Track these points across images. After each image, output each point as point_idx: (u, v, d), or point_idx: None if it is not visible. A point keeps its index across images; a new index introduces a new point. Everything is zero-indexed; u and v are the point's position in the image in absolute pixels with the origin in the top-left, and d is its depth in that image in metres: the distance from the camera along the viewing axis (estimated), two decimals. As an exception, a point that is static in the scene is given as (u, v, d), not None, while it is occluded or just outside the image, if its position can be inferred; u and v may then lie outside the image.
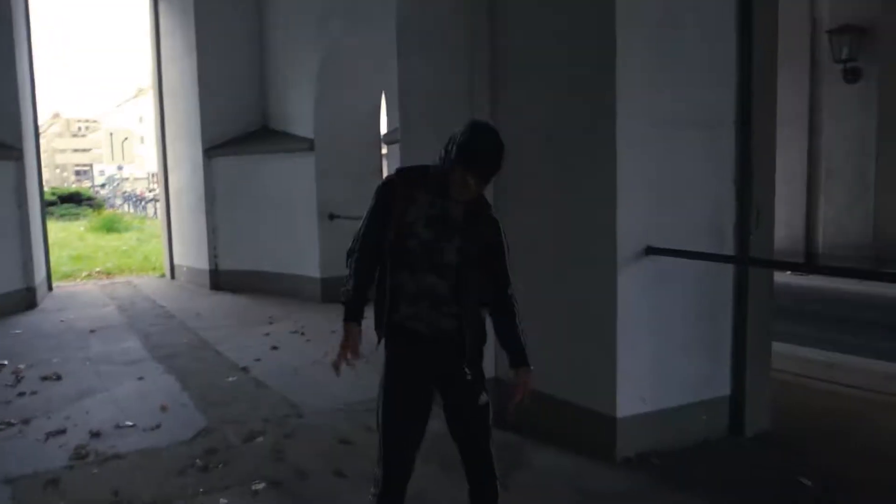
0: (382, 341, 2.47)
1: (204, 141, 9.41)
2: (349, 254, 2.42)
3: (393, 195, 2.30)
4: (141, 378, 5.48)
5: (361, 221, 2.39)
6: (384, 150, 9.08)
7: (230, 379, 5.42)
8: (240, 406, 4.75)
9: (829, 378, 4.88)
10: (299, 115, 8.76)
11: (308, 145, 8.58)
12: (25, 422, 4.47)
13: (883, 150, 9.90)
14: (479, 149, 2.18)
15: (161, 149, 10.66)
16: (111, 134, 59.81)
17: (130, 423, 4.40)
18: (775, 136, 3.85)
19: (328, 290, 8.52)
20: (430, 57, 4.40)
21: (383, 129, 9.00)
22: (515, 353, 2.43)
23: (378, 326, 2.43)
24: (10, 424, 4.43)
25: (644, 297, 3.56)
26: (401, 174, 2.39)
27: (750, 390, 3.86)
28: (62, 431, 4.28)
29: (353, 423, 4.32)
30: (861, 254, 9.77)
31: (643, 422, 3.63)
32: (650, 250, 3.51)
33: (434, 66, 4.36)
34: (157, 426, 4.36)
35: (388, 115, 7.22)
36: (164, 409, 4.70)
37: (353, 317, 2.45)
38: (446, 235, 2.31)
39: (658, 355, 3.64)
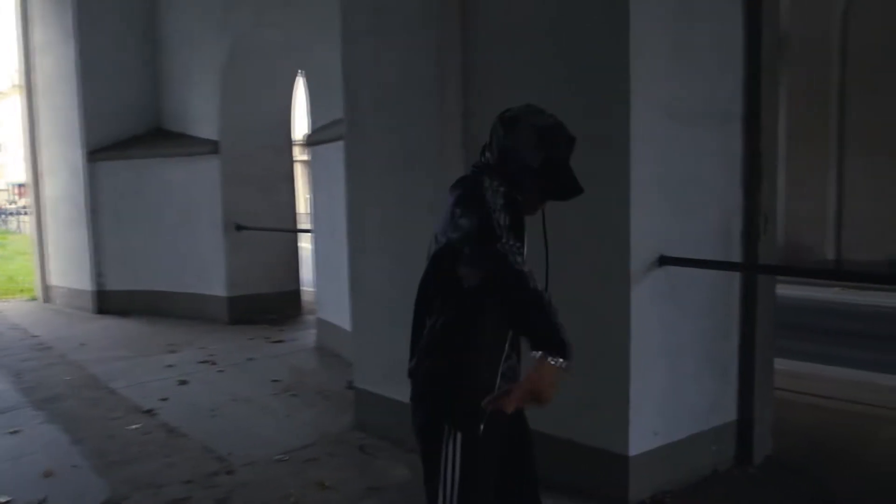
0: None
1: (85, 143, 8.19)
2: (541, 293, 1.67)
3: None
4: (15, 432, 4.41)
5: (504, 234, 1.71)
6: (303, 154, 8.26)
7: (133, 426, 4.46)
8: (151, 463, 3.84)
9: (823, 393, 4.65)
10: (201, 115, 7.77)
11: (211, 148, 7.62)
12: None
13: (792, 153, 10.19)
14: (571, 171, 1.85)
15: (31, 153, 9.24)
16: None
17: (4, 500, 3.41)
18: (777, 135, 3.48)
19: (236, 311, 7.62)
20: (384, 40, 3.72)
21: (301, 130, 8.17)
22: None
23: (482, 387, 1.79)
24: None
25: (657, 314, 3.06)
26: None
27: (757, 413, 3.46)
28: None
29: (302, 479, 3.55)
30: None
31: (655, 458, 3.13)
32: (664, 260, 3.02)
33: (390, 50, 3.70)
34: (42, 501, 3.39)
35: (311, 112, 6.43)
36: (48, 475, 3.70)
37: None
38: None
39: (670, 380, 3.17)
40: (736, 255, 3.38)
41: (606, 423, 3.09)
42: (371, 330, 4.04)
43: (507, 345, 1.83)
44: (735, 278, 3.38)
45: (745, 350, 3.43)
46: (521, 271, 1.60)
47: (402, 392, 3.64)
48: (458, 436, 1.76)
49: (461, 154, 3.42)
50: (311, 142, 6.36)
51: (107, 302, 8.38)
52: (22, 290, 10.49)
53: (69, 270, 8.87)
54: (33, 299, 9.74)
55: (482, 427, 1.77)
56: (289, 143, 8.28)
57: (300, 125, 8.91)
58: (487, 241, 1.64)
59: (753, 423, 3.46)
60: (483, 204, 1.72)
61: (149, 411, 4.75)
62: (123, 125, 8.27)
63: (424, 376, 1.85)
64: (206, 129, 7.73)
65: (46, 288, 9.41)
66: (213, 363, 6.04)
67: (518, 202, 1.79)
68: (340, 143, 5.05)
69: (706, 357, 3.31)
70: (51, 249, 9.24)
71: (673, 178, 3.07)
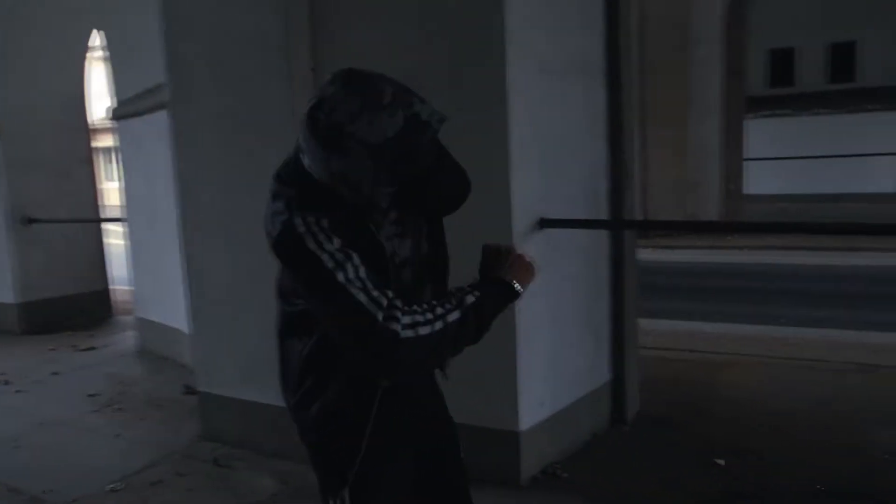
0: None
1: None
2: (399, 333, 1.26)
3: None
4: None
5: (345, 286, 1.27)
6: (106, 128, 7.19)
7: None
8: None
9: (681, 347, 4.87)
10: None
11: (-14, 127, 6.36)
12: None
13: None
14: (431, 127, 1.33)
15: None
16: None
17: None
18: (636, 90, 3.48)
19: (30, 319, 6.52)
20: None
21: (102, 104, 7.10)
22: None
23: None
24: None
25: (541, 281, 2.90)
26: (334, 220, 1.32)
27: (627, 372, 3.49)
28: None
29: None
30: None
31: (544, 430, 3.01)
32: (545, 223, 2.87)
33: (222, 3, 3.16)
34: None
35: (115, 80, 5.53)
36: None
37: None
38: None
39: (554, 348, 3.05)
40: (603, 214, 3.33)
41: (495, 399, 2.90)
42: (215, 324, 3.51)
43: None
44: (604, 240, 3.34)
45: (615, 310, 3.42)
46: (389, 332, 1.24)
47: (258, 392, 3.22)
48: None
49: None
50: (117, 115, 5.48)
51: None
52: None
53: None
54: None
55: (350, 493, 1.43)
56: (84, 120, 7.18)
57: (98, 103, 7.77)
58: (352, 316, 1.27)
59: (625, 382, 3.47)
60: (311, 264, 1.28)
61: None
62: None
63: (297, 422, 1.48)
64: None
65: None
66: (7, 382, 5.05)
67: (342, 217, 1.31)
68: (156, 115, 4.38)
69: (584, 321, 3.25)
70: None
71: (547, 136, 2.92)
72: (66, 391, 4.79)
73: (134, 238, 5.78)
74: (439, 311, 1.30)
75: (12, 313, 6.57)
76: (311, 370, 1.42)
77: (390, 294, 1.27)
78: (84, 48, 6.81)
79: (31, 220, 6.45)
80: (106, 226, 7.59)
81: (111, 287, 7.48)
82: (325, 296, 1.27)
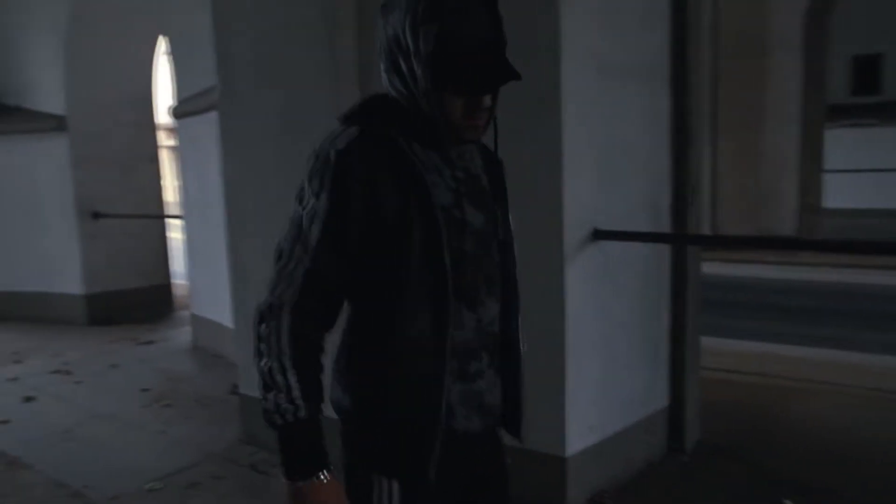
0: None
1: None
2: (263, 317, 1.20)
3: (373, 178, 1.16)
4: None
5: (286, 240, 1.22)
6: (170, 129, 7.36)
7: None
8: (-18, 507, 3.09)
9: (748, 370, 4.57)
10: (43, 85, 6.68)
11: (57, 124, 6.57)
12: None
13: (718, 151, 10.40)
14: (472, 40, 1.15)
15: None
16: None
17: None
18: (707, 97, 3.24)
19: (95, 310, 6.70)
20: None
21: (166, 101, 7.26)
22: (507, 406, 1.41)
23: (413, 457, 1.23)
24: None
25: (592, 295, 2.73)
26: (371, 124, 1.20)
27: (688, 398, 3.24)
28: None
29: (181, 513, 2.95)
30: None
31: (592, 456, 2.82)
32: (598, 234, 2.68)
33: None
34: None
35: (177, 81, 5.62)
36: None
37: (318, 462, 1.20)
38: (489, 214, 1.30)
39: (605, 369, 2.85)
40: (665, 228, 3.11)
41: (541, 421, 2.70)
42: (258, 327, 3.46)
43: (446, 356, 1.20)
44: (665, 254, 3.12)
45: (675, 331, 3.19)
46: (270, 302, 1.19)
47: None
48: (394, 488, 1.26)
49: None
50: (177, 114, 5.56)
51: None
52: None
53: None
54: None
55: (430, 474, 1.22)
56: (151, 118, 7.35)
57: (165, 100, 7.96)
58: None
59: (685, 408, 3.23)
60: (295, 200, 1.23)
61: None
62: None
63: (336, 407, 1.32)
64: (49, 101, 6.66)
65: None
66: (68, 373, 5.17)
67: (364, 154, 1.17)
68: (210, 115, 4.39)
69: (639, 341, 3.03)
70: None
71: (604, 142, 2.73)
72: (121, 384, 4.86)
73: (189, 235, 5.85)
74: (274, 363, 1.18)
75: (79, 304, 6.77)
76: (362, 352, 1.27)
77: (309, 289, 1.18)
78: (152, 50, 6.97)
79: (98, 215, 6.63)
80: (170, 221, 7.76)
81: (173, 282, 7.63)
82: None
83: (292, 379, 1.16)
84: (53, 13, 6.39)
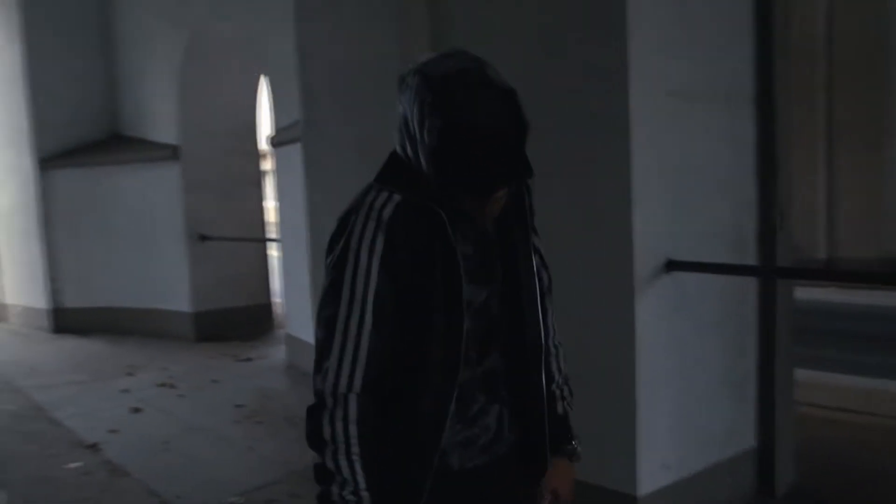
0: None
1: (36, 150, 7.64)
2: (324, 404, 1.17)
3: (409, 248, 1.17)
4: (-65, 474, 3.88)
5: (331, 310, 1.18)
6: (270, 155, 7.77)
7: (72, 465, 3.93)
8: (84, 512, 3.34)
9: (854, 408, 4.22)
10: (159, 118, 7.26)
11: (171, 153, 7.10)
12: None
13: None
14: (481, 135, 1.09)
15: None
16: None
17: None
18: (793, 119, 3.06)
19: (202, 327, 7.11)
20: (340, 16, 3.25)
21: (266, 131, 7.70)
22: (550, 414, 1.37)
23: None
24: None
25: (666, 328, 2.62)
26: (403, 202, 1.18)
27: (779, 438, 3.03)
28: None
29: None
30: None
31: (667, 496, 2.68)
32: (672, 265, 2.58)
33: (346, 27, 3.23)
34: (-52, 564, 2.89)
35: (275, 111, 5.95)
36: (-38, 528, 3.20)
37: None
38: (493, 283, 1.28)
39: (682, 405, 2.72)
40: (750, 258, 2.94)
41: (611, 457, 2.64)
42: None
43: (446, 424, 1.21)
44: (751, 284, 2.95)
45: (763, 367, 3.00)
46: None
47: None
48: None
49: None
50: (274, 143, 5.87)
51: (64, 320, 7.80)
52: (-24, 310, 9.86)
53: (24, 287, 8.28)
54: (-13, 319, 9.14)
55: None
56: (255, 146, 7.79)
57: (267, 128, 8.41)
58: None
59: (775, 449, 3.02)
60: (337, 267, 1.18)
61: (93, 446, 4.22)
62: (78, 131, 7.72)
63: None
64: (164, 132, 7.21)
65: (1, 307, 8.82)
66: (173, 386, 5.51)
67: (398, 222, 1.16)
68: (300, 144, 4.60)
69: (721, 376, 2.87)
70: (5, 265, 8.66)
71: (678, 168, 2.63)
72: (218, 399, 5.12)
73: (284, 256, 6.12)
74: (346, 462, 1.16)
75: (188, 321, 7.21)
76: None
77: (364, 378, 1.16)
78: (256, 83, 7.40)
79: (204, 237, 7.07)
80: (270, 243, 8.15)
81: (274, 301, 7.99)
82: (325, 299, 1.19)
83: (359, 471, 1.14)
84: (169, 51, 6.93)
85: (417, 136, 1.11)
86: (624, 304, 2.51)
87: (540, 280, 1.35)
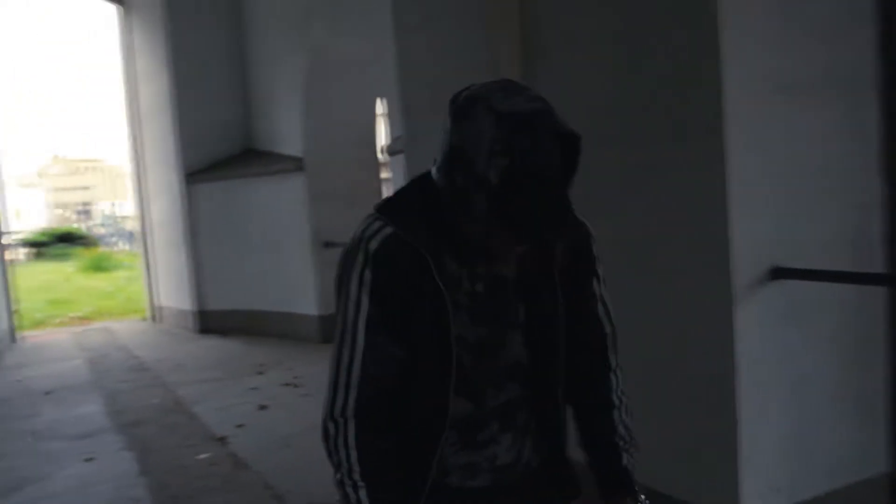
0: None
1: (182, 167, 8.40)
2: (327, 432, 1.22)
3: (396, 282, 1.19)
4: (90, 459, 4.35)
5: (335, 344, 1.22)
6: (386, 164, 8.06)
7: (201, 456, 4.29)
8: (206, 500, 3.62)
9: None
10: (286, 132, 7.74)
11: (296, 165, 7.55)
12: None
13: None
14: (545, 198, 1.08)
15: (137, 178, 9.64)
16: (108, 171, 59.40)
17: (59, 536, 3.28)
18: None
19: (328, 329, 7.44)
20: (436, 31, 3.32)
21: (383, 141, 7.97)
22: (611, 468, 1.34)
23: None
24: None
25: (772, 340, 2.44)
26: (405, 228, 1.19)
27: (915, 462, 2.72)
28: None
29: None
30: None
31: (777, 522, 2.49)
32: (778, 273, 2.39)
33: (442, 40, 3.29)
34: (92, 541, 3.24)
35: (390, 122, 6.15)
36: (107, 509, 3.57)
37: None
38: (506, 320, 1.26)
39: (793, 423, 2.51)
40: (876, 264, 2.66)
41: (711, 475, 2.49)
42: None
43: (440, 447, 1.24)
44: (875, 294, 2.67)
45: (894, 384, 2.70)
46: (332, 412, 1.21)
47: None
48: None
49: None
50: (391, 151, 6.06)
51: (207, 322, 8.51)
52: (137, 311, 10.97)
53: (174, 291, 9.12)
54: (145, 319, 10.13)
55: None
56: (374, 156, 8.08)
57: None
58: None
59: (910, 474, 2.72)
60: (337, 297, 1.23)
61: (222, 439, 4.57)
62: (217, 147, 8.41)
63: None
64: (291, 146, 7.67)
65: (156, 308, 9.75)
66: (297, 386, 5.85)
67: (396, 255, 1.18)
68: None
69: (839, 393, 2.62)
70: (159, 270, 9.57)
71: (783, 168, 2.43)
72: None
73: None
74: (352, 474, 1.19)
75: (314, 324, 7.61)
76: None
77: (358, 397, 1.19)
78: (375, 92, 7.68)
79: (328, 244, 7.42)
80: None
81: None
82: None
83: (363, 495, 1.17)
84: (294, 71, 7.36)
85: (478, 166, 1.08)
86: (723, 314, 2.36)
87: (603, 333, 1.35)
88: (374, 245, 1.17)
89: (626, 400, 1.36)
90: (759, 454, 2.43)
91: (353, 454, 1.18)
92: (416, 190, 1.24)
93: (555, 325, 1.27)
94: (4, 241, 9.34)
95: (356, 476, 1.17)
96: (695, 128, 2.35)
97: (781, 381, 2.46)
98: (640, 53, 2.52)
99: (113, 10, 9.35)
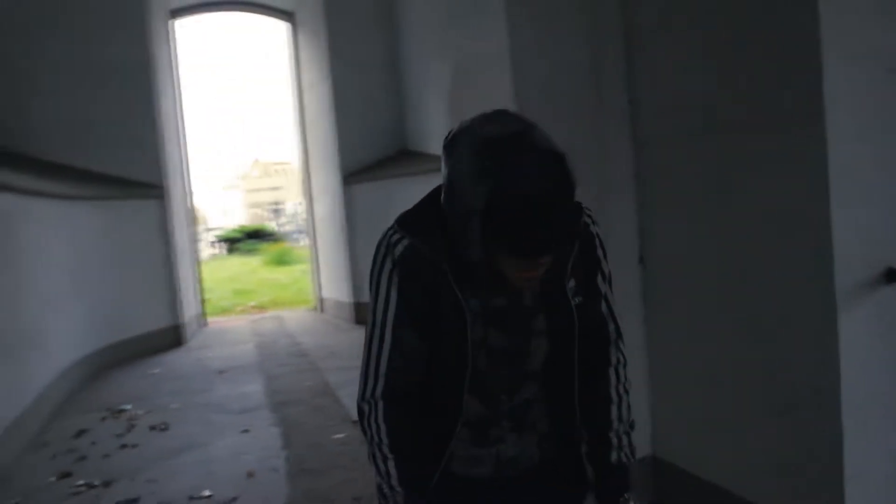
0: None
1: (341, 168, 9.04)
2: (361, 413, 1.35)
3: (420, 284, 1.29)
4: (246, 430, 4.90)
5: (367, 335, 1.34)
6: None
7: (337, 436, 4.66)
8: (334, 476, 3.94)
9: None
10: (434, 133, 8.06)
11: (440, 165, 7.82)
12: (107, 484, 3.99)
13: None
14: (531, 217, 1.09)
15: (305, 179, 10.52)
16: (296, 173, 64.68)
17: (207, 494, 3.75)
18: None
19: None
20: (543, 26, 3.36)
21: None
22: (604, 462, 1.37)
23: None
24: (90, 486, 3.98)
25: (882, 348, 2.22)
26: (423, 241, 1.29)
27: None
28: (133, 501, 3.72)
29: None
30: None
31: (891, 548, 2.26)
32: (892, 274, 2.17)
33: (549, 34, 3.32)
34: (232, 500, 3.66)
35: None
36: (250, 475, 4.01)
37: None
38: (528, 329, 1.33)
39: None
40: None
41: (817, 491, 2.32)
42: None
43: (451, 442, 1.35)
44: None
45: None
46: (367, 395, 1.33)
47: (706, 466, 2.72)
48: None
49: (629, 147, 2.94)
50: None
51: (363, 313, 9.10)
52: (305, 301, 11.96)
53: (334, 283, 9.85)
54: (312, 309, 11.03)
55: None
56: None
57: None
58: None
59: None
60: (372, 292, 1.33)
61: (355, 422, 4.91)
62: (373, 150, 8.95)
63: None
64: (438, 145, 7.93)
65: (321, 299, 10.58)
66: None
67: (409, 273, 1.28)
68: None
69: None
70: (322, 264, 10.38)
71: (903, 160, 2.21)
72: None
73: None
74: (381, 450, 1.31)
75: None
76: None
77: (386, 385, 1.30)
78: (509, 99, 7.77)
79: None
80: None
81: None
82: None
83: (391, 466, 1.28)
84: (439, 79, 7.66)
85: (466, 197, 1.13)
86: (824, 318, 2.18)
87: (606, 330, 1.38)
88: (399, 250, 1.29)
89: (627, 397, 1.36)
90: (867, 474, 2.23)
91: (384, 428, 1.29)
92: (427, 206, 1.34)
93: (571, 332, 1.31)
94: (208, 238, 10.59)
95: (385, 449, 1.29)
96: (793, 114, 2.20)
97: (892, 394, 2.23)
98: (735, 36, 2.40)
99: (283, 27, 10.27)
